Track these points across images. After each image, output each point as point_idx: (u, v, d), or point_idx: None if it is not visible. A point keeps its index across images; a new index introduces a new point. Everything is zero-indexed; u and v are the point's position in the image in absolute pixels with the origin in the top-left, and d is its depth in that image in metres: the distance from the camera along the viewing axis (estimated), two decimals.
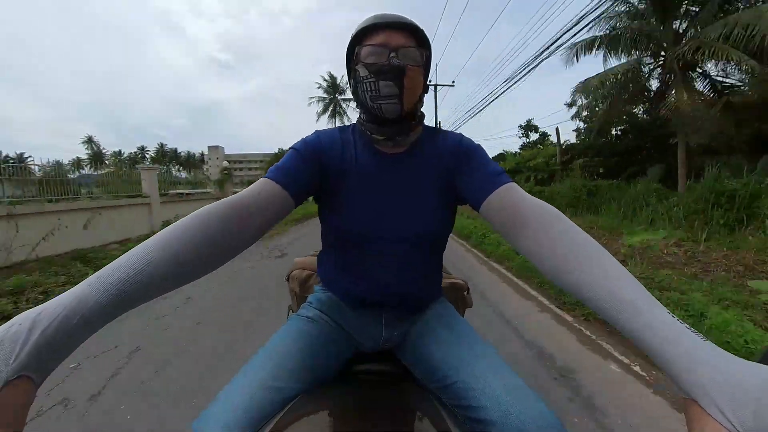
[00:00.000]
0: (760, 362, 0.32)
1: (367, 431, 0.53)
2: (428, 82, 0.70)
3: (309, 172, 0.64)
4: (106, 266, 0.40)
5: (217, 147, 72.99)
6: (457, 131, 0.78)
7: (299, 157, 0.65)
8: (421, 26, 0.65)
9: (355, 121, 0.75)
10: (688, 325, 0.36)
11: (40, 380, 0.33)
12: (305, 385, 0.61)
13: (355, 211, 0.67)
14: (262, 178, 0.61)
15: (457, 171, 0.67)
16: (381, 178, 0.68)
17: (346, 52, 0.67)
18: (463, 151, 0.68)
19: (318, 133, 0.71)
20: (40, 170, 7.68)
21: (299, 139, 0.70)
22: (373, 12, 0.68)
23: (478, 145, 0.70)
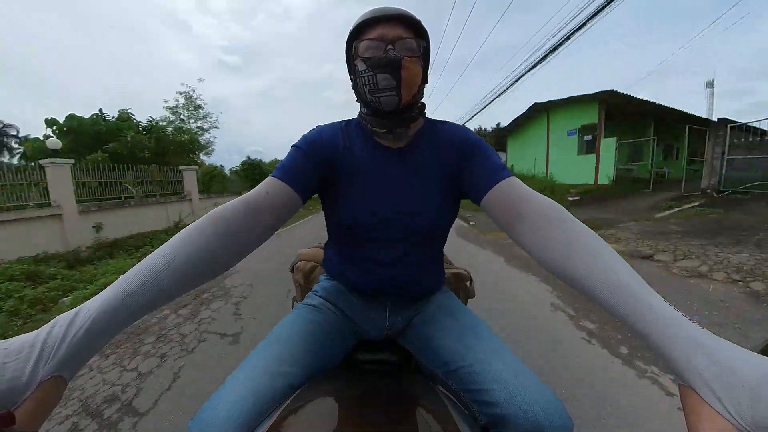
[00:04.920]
0: (760, 353, 0.32)
1: (371, 420, 0.54)
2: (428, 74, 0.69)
3: (312, 168, 0.65)
4: (129, 271, 0.43)
5: None
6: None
7: (301, 154, 0.66)
8: (419, 17, 0.64)
9: (356, 115, 0.75)
10: (684, 314, 0.37)
11: (69, 379, 0.35)
12: (310, 371, 0.62)
13: (357, 204, 0.68)
14: (268, 177, 0.62)
15: (459, 164, 0.67)
16: (383, 172, 0.68)
17: (345, 48, 0.68)
18: (466, 144, 0.68)
19: (319, 128, 0.72)
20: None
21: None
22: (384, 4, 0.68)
23: (482, 139, 0.70)
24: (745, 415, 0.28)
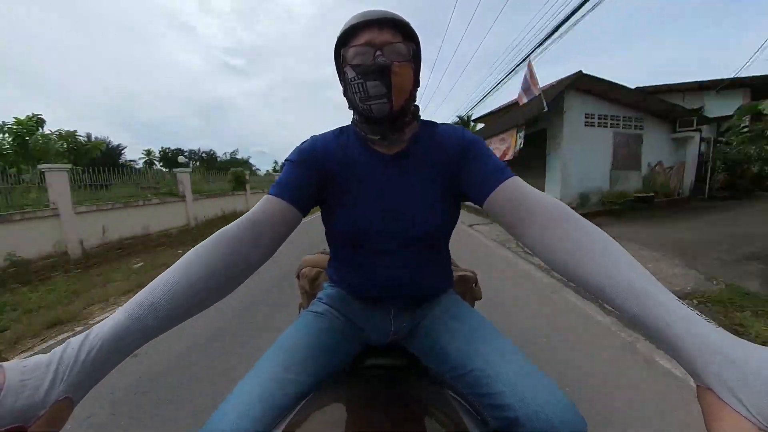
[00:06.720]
0: None
1: (381, 426, 0.54)
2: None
3: (308, 180, 0.65)
4: (139, 293, 0.43)
5: None
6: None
7: (296, 167, 0.65)
8: (407, 19, 0.63)
9: (350, 123, 0.74)
10: (698, 312, 0.36)
11: (78, 400, 0.36)
12: (317, 377, 0.62)
13: (356, 212, 0.68)
14: (265, 196, 0.62)
15: (458, 165, 0.66)
16: (379, 178, 0.68)
17: (333, 55, 0.66)
18: (464, 145, 0.67)
19: (313, 139, 0.71)
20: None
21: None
22: (382, 4, 0.67)
23: (480, 139, 0.69)
24: (767, 414, 0.28)
